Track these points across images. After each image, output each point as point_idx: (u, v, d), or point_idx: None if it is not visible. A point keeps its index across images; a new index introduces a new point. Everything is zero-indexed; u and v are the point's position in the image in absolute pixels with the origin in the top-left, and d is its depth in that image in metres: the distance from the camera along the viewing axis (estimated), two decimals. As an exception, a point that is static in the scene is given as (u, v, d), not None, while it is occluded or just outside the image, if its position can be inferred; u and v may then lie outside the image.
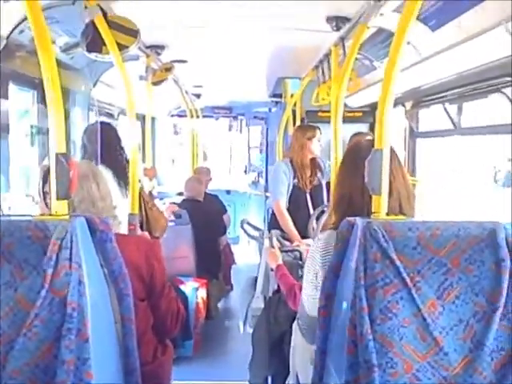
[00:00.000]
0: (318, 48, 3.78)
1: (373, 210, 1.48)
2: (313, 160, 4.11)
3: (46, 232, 1.37)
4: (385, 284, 1.31)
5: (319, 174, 4.16)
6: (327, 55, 3.84)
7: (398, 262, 1.31)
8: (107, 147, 3.07)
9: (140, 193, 3.35)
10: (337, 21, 2.99)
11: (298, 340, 2.08)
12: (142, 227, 3.11)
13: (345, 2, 2.65)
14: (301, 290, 2.33)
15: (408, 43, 2.62)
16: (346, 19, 2.93)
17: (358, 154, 1.74)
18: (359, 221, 1.40)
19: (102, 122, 3.31)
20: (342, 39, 3.21)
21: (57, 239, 1.35)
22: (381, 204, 1.47)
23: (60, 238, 1.36)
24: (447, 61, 2.74)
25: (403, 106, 4.15)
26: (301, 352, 2.03)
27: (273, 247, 2.81)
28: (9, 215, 2.84)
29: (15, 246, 1.37)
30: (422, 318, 1.30)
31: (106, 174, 2.94)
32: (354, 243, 1.39)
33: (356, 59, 2.79)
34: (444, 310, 1.31)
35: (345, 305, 1.42)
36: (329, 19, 2.98)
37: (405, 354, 1.29)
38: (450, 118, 3.52)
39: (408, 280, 1.31)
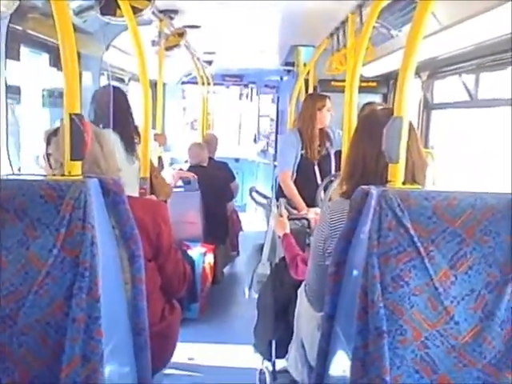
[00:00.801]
0: (333, 15, 3.70)
1: (388, 179, 1.46)
2: (321, 130, 4.08)
3: (60, 192, 1.37)
4: (398, 252, 1.30)
5: (328, 144, 4.13)
6: (343, 23, 3.77)
7: (412, 231, 1.30)
8: (116, 112, 3.05)
9: None
10: None
11: (303, 306, 2.09)
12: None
13: None
14: (303, 260, 2.36)
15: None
16: None
17: (374, 122, 1.72)
18: (374, 189, 1.38)
19: (112, 86, 3.28)
20: (360, 6, 3.15)
21: (70, 199, 1.35)
22: (397, 172, 1.45)
23: (73, 198, 1.35)
24: (467, 30, 2.68)
25: (419, 76, 4.08)
26: (307, 318, 2.05)
27: (281, 215, 2.82)
28: (20, 174, 2.85)
29: (28, 204, 1.37)
30: (434, 287, 1.30)
31: (114, 138, 2.94)
32: (368, 211, 1.38)
33: (373, 27, 2.73)
34: (456, 280, 1.31)
35: (356, 272, 1.42)
36: None
37: (415, 321, 1.30)
38: (467, 89, 3.46)
39: (422, 249, 1.30)
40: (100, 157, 1.89)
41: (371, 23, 2.60)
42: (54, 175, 1.48)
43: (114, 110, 2.99)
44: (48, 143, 1.87)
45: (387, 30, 3.51)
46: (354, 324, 1.33)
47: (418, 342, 1.30)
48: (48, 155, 1.86)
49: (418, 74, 4.04)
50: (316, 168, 4.04)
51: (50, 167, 1.78)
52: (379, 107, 3.95)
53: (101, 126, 2.92)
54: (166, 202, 3.28)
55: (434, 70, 3.93)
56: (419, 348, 1.30)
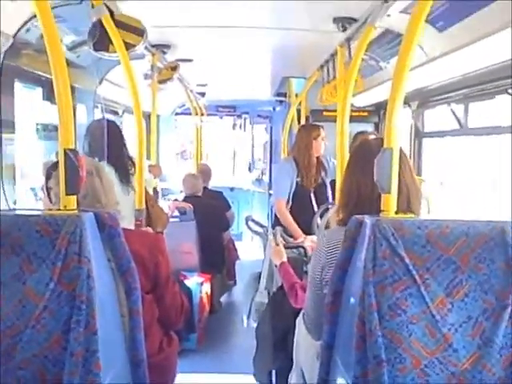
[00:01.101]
0: (323, 48, 3.77)
1: (382, 208, 1.48)
2: (317, 159, 4.12)
3: (55, 226, 1.38)
4: (394, 281, 1.31)
5: (323, 173, 4.18)
6: (333, 55, 3.84)
7: (407, 260, 1.31)
8: (110, 144, 3.07)
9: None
10: (343, 21, 2.99)
11: (301, 335, 2.09)
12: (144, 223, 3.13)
13: (351, 2, 2.65)
14: (302, 288, 2.36)
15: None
16: (352, 20, 2.93)
17: (366, 152, 1.75)
18: (368, 219, 1.40)
19: (105, 120, 3.32)
20: (349, 40, 3.21)
21: (66, 233, 1.36)
22: (390, 202, 1.47)
23: (69, 232, 1.37)
24: (454, 61, 2.74)
25: (409, 106, 4.15)
26: (305, 347, 2.04)
27: (277, 244, 2.82)
28: (15, 209, 2.85)
29: (24, 239, 1.38)
30: (431, 314, 1.30)
31: (109, 170, 2.96)
32: (363, 241, 1.39)
33: (362, 59, 2.79)
34: (453, 307, 1.32)
35: (353, 301, 1.42)
36: (336, 20, 2.99)
37: (413, 349, 1.30)
38: (457, 118, 3.52)
39: (417, 277, 1.31)
40: (100, 190, 1.90)
41: (360, 55, 2.66)
42: (58, 209, 1.49)
43: (108, 143, 3.01)
44: (48, 177, 1.88)
45: (376, 62, 3.59)
46: (353, 353, 1.33)
47: (417, 370, 1.30)
48: (48, 189, 1.86)
49: (407, 103, 4.11)
50: (312, 196, 4.08)
51: (50, 201, 1.78)
52: (371, 136, 4.02)
53: (96, 158, 2.95)
54: (162, 232, 3.29)
55: (423, 99, 4.00)
56: (419, 376, 1.30)
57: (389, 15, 2.53)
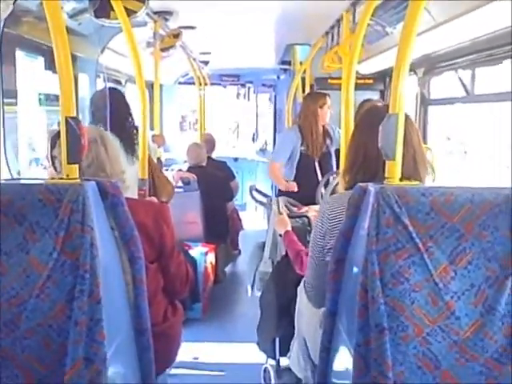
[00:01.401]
0: (327, 14, 3.71)
1: (386, 175, 1.46)
2: (322, 127, 4.09)
3: (58, 195, 1.37)
4: (397, 249, 1.30)
5: (328, 142, 4.15)
6: (338, 21, 3.77)
7: (410, 228, 1.30)
8: (115, 113, 3.05)
9: (148, 160, 3.36)
10: None
11: (303, 303, 2.10)
12: (149, 193, 3.13)
13: None
14: (307, 255, 2.36)
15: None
16: None
17: (374, 116, 1.72)
18: (372, 186, 1.39)
19: (110, 88, 3.28)
20: (354, 5, 3.16)
21: (68, 202, 1.36)
22: (394, 169, 1.45)
23: (72, 201, 1.36)
24: (461, 27, 2.68)
25: (415, 73, 4.08)
26: (308, 316, 2.06)
27: (280, 213, 2.82)
28: (19, 179, 2.85)
29: (27, 208, 1.37)
30: (434, 282, 1.30)
31: (113, 140, 2.95)
32: (367, 208, 1.38)
33: (368, 25, 2.73)
34: (456, 275, 1.31)
35: (355, 269, 1.42)
36: None
37: (416, 317, 1.30)
38: (463, 84, 3.46)
39: (420, 245, 1.30)
40: (105, 159, 1.89)
41: (365, 21, 2.61)
42: (60, 178, 1.48)
43: (112, 112, 2.99)
44: (52, 146, 1.86)
45: (382, 28, 3.52)
46: (355, 321, 1.33)
47: (419, 338, 1.30)
48: (53, 158, 1.85)
49: (413, 70, 4.05)
50: (317, 165, 4.07)
51: (55, 170, 1.77)
52: (378, 104, 3.98)
53: (101, 127, 2.93)
54: (167, 202, 3.28)
55: (429, 66, 3.93)
56: (421, 344, 1.30)
57: None
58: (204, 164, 5.19)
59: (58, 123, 1.54)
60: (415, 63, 3.79)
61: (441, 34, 2.87)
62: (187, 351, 2.49)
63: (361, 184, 1.47)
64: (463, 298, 1.31)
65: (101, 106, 3.10)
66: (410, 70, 4.06)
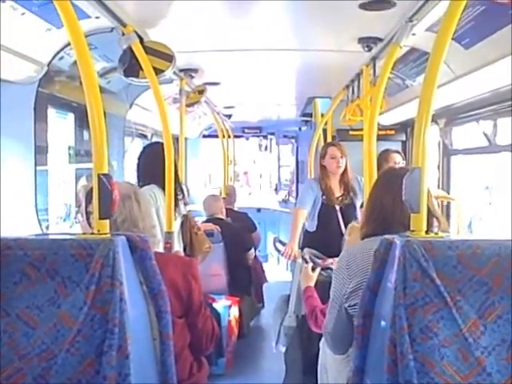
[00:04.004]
0: (348, 68, 3.80)
1: (411, 228, 1.47)
2: (342, 178, 4.12)
3: (89, 250, 1.40)
4: (425, 303, 1.30)
5: (351, 194, 4.15)
6: (358, 75, 3.85)
7: (438, 281, 1.30)
8: (162, 168, 3.14)
9: (187, 215, 3.41)
10: (368, 41, 3.02)
11: (327, 359, 2.09)
12: (185, 250, 3.16)
13: (376, 22, 2.67)
14: (322, 312, 2.37)
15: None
16: (377, 39, 2.96)
17: (392, 174, 1.90)
18: (398, 239, 1.39)
19: (158, 143, 3.34)
20: (374, 59, 3.23)
21: (99, 257, 1.38)
22: (420, 222, 1.46)
23: (103, 255, 1.38)
24: (481, 78, 2.72)
25: (436, 123, 4.12)
26: (333, 373, 2.03)
27: (306, 262, 2.83)
28: (48, 234, 2.91)
29: (59, 263, 1.40)
30: (464, 337, 1.28)
31: (158, 193, 3.02)
32: (393, 262, 1.38)
33: (388, 78, 2.80)
34: (486, 330, 1.29)
35: (383, 324, 1.41)
36: (361, 40, 3.02)
37: (446, 374, 1.27)
38: (485, 134, 3.48)
39: (448, 299, 1.29)
40: (138, 215, 1.92)
41: (386, 74, 2.66)
42: (91, 233, 1.52)
43: (160, 167, 3.07)
44: (89, 201, 1.89)
45: (402, 81, 3.59)
46: (384, 377, 1.31)
47: None
48: (88, 213, 1.88)
49: (435, 121, 4.09)
50: (339, 215, 4.06)
51: (90, 226, 1.80)
52: (395, 153, 4.04)
53: (147, 181, 3.06)
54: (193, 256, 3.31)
55: (451, 116, 3.97)
56: None
57: (414, 34, 2.54)
58: (220, 216, 5.19)
59: (86, 177, 1.58)
60: (436, 114, 3.83)
61: (460, 85, 2.91)
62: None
63: (386, 237, 1.47)
64: (494, 353, 1.29)
65: (149, 161, 3.19)
66: (432, 121, 4.09)
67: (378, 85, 2.76)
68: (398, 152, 4.37)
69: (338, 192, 4.13)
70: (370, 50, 3.08)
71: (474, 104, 3.36)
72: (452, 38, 1.49)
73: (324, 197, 4.10)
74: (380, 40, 2.94)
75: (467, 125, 3.91)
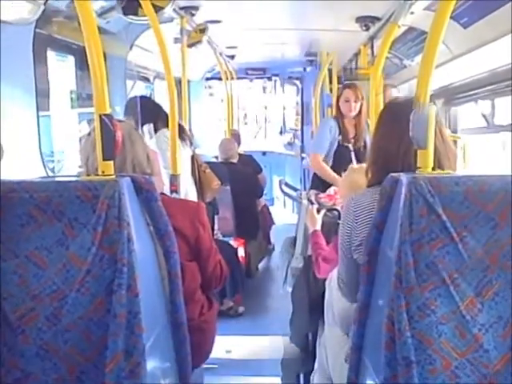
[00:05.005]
0: (346, 47, 3.72)
1: (418, 165, 1.45)
2: (358, 119, 4.06)
3: (94, 191, 1.39)
4: (431, 239, 1.29)
5: (366, 136, 4.11)
6: (356, 55, 3.75)
7: (444, 217, 1.29)
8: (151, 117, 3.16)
9: (194, 156, 3.45)
10: (366, 20, 2.97)
11: (332, 300, 2.13)
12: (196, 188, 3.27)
13: (374, 1, 2.59)
14: (324, 259, 2.41)
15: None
16: (375, 18, 2.91)
17: (396, 109, 1.76)
18: (404, 176, 1.38)
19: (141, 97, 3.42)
20: (372, 38, 3.17)
21: (105, 198, 1.38)
22: (426, 159, 1.43)
23: (108, 196, 1.38)
24: (479, 58, 2.65)
25: (434, 103, 4.02)
26: (333, 354, 2.11)
27: (312, 203, 2.84)
28: (54, 176, 2.92)
29: (65, 205, 1.40)
30: (461, 315, 1.28)
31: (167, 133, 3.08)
32: (399, 199, 1.37)
33: (386, 58, 2.74)
34: (483, 307, 1.29)
35: (389, 260, 1.41)
36: (358, 19, 2.96)
37: (444, 351, 1.28)
38: (483, 115, 3.40)
39: (455, 235, 1.29)
40: (144, 158, 1.90)
41: (384, 53, 2.68)
42: (96, 175, 1.51)
43: (151, 117, 3.07)
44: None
45: (400, 60, 3.53)
46: (382, 354, 1.31)
47: (448, 372, 1.28)
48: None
49: (432, 101, 3.99)
50: (353, 156, 4.04)
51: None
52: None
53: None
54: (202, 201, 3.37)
55: (448, 97, 3.87)
56: (450, 378, 1.28)
57: (412, 13, 2.49)
58: (235, 160, 5.19)
59: (87, 121, 1.56)
60: (434, 94, 3.73)
61: (459, 65, 2.84)
62: (220, 344, 2.51)
63: (393, 174, 1.46)
64: (491, 330, 1.29)
65: (135, 110, 3.22)
66: (430, 101, 3.97)
67: (376, 64, 2.71)
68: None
69: (351, 133, 4.09)
70: (367, 29, 3.03)
71: (472, 84, 3.26)
72: (450, 17, 1.43)
73: (340, 136, 4.06)
74: (378, 19, 2.89)
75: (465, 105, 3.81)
